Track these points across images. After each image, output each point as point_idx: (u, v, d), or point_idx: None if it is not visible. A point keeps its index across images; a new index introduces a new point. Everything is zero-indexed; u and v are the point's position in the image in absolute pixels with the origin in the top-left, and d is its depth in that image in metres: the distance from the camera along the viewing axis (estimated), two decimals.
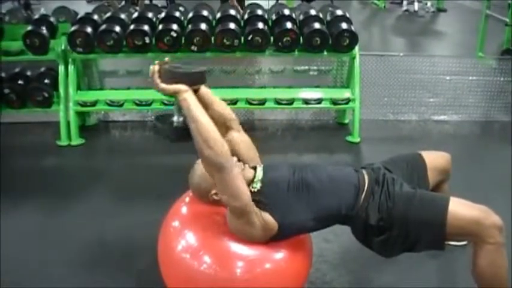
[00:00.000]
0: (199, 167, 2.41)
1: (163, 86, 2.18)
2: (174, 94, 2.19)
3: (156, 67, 2.19)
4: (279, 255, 2.33)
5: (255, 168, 2.42)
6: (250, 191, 2.25)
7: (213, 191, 2.36)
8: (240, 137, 2.57)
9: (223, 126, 2.44)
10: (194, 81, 2.25)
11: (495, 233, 2.16)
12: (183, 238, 2.38)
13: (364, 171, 2.48)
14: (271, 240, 2.31)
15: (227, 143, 2.22)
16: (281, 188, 2.30)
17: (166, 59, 2.28)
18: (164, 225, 2.53)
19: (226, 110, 2.55)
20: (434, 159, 2.72)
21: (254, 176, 2.35)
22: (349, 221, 2.40)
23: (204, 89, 2.39)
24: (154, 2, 9.36)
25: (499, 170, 4.18)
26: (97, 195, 3.75)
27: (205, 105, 2.31)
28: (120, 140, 4.93)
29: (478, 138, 5.05)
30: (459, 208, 2.23)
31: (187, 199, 2.59)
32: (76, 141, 4.58)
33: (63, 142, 4.55)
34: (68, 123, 4.55)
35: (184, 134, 2.19)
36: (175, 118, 2.25)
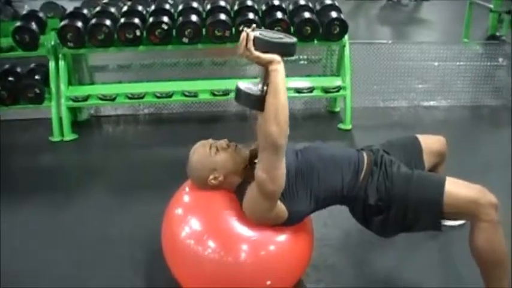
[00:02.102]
0: (194, 155, 2.45)
1: (257, 53, 2.08)
2: (266, 63, 2.11)
3: (251, 33, 2.10)
4: (282, 237, 2.37)
5: None
6: None
7: (211, 176, 2.39)
8: None
9: None
10: (286, 52, 2.18)
11: (491, 211, 2.21)
12: (186, 225, 2.40)
13: (364, 153, 2.51)
14: (279, 226, 2.34)
15: None
16: (289, 174, 2.27)
17: (254, 25, 2.21)
18: (167, 214, 2.54)
19: None
20: (430, 142, 2.77)
21: None
22: (348, 201, 2.44)
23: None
24: None
25: (489, 152, 4.27)
26: (94, 190, 3.75)
27: None
28: (113, 134, 4.93)
29: (468, 122, 5.11)
30: (455, 188, 2.27)
31: (187, 188, 2.59)
32: (69, 136, 4.57)
33: (56, 138, 4.54)
34: (60, 119, 4.54)
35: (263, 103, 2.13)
36: (259, 86, 2.17)
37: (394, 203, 2.32)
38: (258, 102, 2.13)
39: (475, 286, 2.39)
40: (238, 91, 2.21)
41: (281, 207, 2.27)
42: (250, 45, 2.08)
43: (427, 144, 2.73)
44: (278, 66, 2.08)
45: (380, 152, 2.52)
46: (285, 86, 2.10)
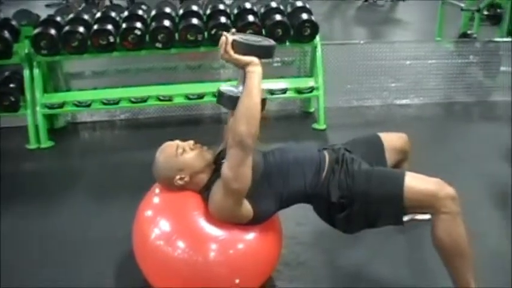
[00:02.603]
0: (161, 156, 2.49)
1: (236, 56, 2.17)
2: (244, 65, 2.19)
3: (230, 38, 2.18)
4: (250, 236, 2.42)
5: None
6: None
7: (178, 177, 2.43)
8: None
9: None
10: (264, 54, 2.26)
11: (450, 203, 2.27)
12: (156, 226, 2.44)
13: (325, 152, 2.57)
14: (245, 225, 2.39)
15: None
16: (256, 176, 2.34)
17: (234, 30, 2.29)
18: (137, 216, 2.57)
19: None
20: (392, 139, 2.85)
21: None
22: (312, 199, 2.50)
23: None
24: (115, 2, 9.35)
25: (461, 146, 4.38)
26: (72, 194, 3.77)
27: None
28: (90, 140, 4.97)
29: (440, 118, 5.21)
30: (414, 182, 2.34)
31: (156, 190, 2.62)
32: (45, 144, 4.59)
33: (33, 145, 4.55)
34: (37, 127, 4.56)
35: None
36: (240, 88, 2.25)
37: (356, 200, 2.38)
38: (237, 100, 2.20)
39: (443, 278, 2.45)
40: (219, 94, 2.31)
41: (247, 206, 2.32)
42: (229, 48, 2.17)
43: (389, 141, 2.81)
44: (255, 68, 2.17)
45: (341, 151, 2.59)
46: (260, 88, 2.18)
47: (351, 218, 2.42)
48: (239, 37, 2.23)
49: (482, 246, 2.62)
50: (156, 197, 2.60)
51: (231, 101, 2.27)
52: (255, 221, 2.39)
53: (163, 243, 2.38)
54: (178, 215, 2.47)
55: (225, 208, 2.32)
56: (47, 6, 10.36)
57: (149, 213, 2.54)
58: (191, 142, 2.50)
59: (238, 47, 2.18)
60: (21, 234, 3.25)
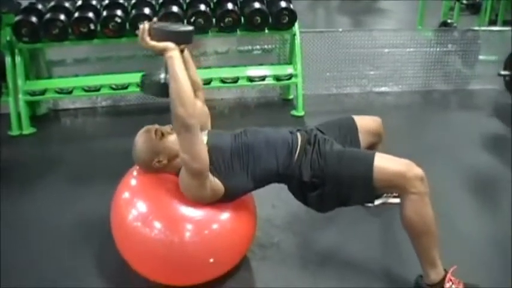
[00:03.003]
0: (140, 140, 2.56)
1: (152, 43, 2.25)
2: (162, 51, 2.26)
3: (147, 25, 2.26)
4: (225, 216, 2.50)
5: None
6: None
7: (156, 160, 2.51)
8: (202, 107, 2.76)
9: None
10: (182, 40, 2.34)
11: (418, 183, 2.34)
12: (133, 207, 2.50)
13: (298, 133, 2.65)
14: (218, 201, 2.47)
15: None
16: (224, 153, 2.45)
17: (155, 19, 2.37)
18: (115, 199, 2.64)
19: (198, 78, 2.74)
20: (366, 122, 2.93)
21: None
22: (285, 178, 2.57)
23: (186, 53, 2.53)
24: None
25: (438, 133, 4.48)
26: (52, 180, 3.81)
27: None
28: (71, 126, 5.01)
29: (419, 106, 5.30)
30: (384, 163, 2.41)
31: (134, 173, 2.69)
32: (28, 130, 4.63)
33: (15, 132, 4.59)
34: (19, 114, 4.60)
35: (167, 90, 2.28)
36: (162, 76, 2.33)
37: (328, 179, 2.46)
38: (163, 89, 2.28)
39: (412, 259, 2.51)
40: (142, 82, 2.40)
41: (216, 182, 2.40)
42: (145, 35, 2.26)
43: (363, 123, 2.89)
44: (172, 53, 2.24)
45: (314, 132, 2.67)
46: (182, 70, 2.25)
47: (323, 197, 2.50)
48: (158, 25, 2.31)
49: (452, 228, 2.70)
50: (133, 179, 2.66)
51: (154, 89, 2.40)
52: (228, 197, 2.47)
53: (140, 225, 2.44)
54: (155, 197, 2.53)
55: (193, 189, 2.39)
56: None
57: (126, 195, 2.59)
58: (169, 126, 2.56)
59: (155, 34, 2.27)
60: (2, 218, 3.28)
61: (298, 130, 2.70)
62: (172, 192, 2.50)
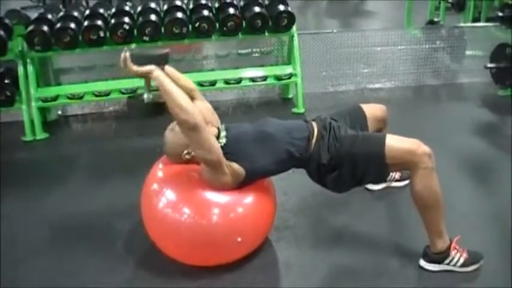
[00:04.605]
0: (170, 134, 2.81)
1: (136, 68, 2.53)
2: (146, 74, 2.54)
3: (128, 54, 2.53)
4: (248, 199, 2.74)
5: (218, 128, 2.83)
6: None
7: (185, 151, 2.76)
8: (202, 104, 3.01)
9: (188, 96, 2.75)
10: (160, 61, 2.63)
11: (426, 159, 2.59)
12: (163, 196, 2.73)
13: (313, 122, 2.91)
14: (241, 185, 2.71)
15: None
16: (244, 140, 2.70)
17: (126, 48, 2.62)
18: (144, 188, 2.86)
19: (188, 82, 2.99)
20: (373, 109, 3.19)
21: (218, 134, 2.75)
22: (304, 163, 2.82)
23: (168, 68, 2.78)
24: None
25: (432, 125, 4.73)
26: (70, 179, 4.03)
27: (172, 80, 2.64)
28: (82, 130, 5.22)
29: (411, 100, 5.56)
30: (394, 142, 2.67)
31: (160, 165, 2.93)
32: (41, 135, 4.81)
33: (29, 137, 4.77)
34: (32, 120, 4.79)
35: (155, 108, 2.54)
36: (145, 96, 2.62)
37: (344, 161, 2.71)
38: (151, 106, 2.57)
39: (416, 231, 2.81)
40: (127, 105, 2.67)
41: (235, 167, 2.65)
42: (129, 62, 2.54)
43: (370, 111, 3.15)
44: (156, 73, 2.52)
45: (328, 120, 2.93)
46: (169, 82, 2.53)
47: (341, 177, 2.74)
48: (136, 52, 2.60)
49: (451, 205, 2.95)
50: (160, 170, 2.90)
51: (139, 109, 2.67)
52: (248, 179, 2.72)
53: (171, 211, 2.68)
54: (182, 185, 2.76)
55: (215, 179, 2.65)
56: (23, 8, 10.37)
57: (156, 185, 2.83)
58: None
59: (135, 60, 2.54)
60: (21, 216, 3.49)
61: (313, 120, 2.96)
62: (198, 181, 2.74)
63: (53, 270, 2.93)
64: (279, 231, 3.13)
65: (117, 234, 3.19)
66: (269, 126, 2.82)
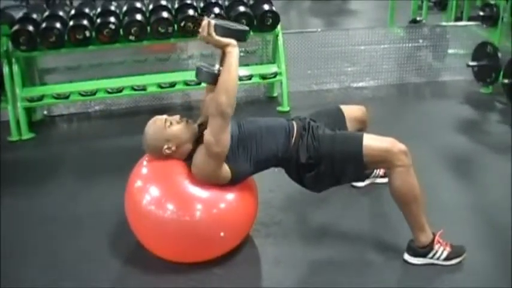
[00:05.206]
0: (150, 128, 2.81)
1: (218, 38, 2.53)
2: (224, 46, 2.55)
3: (212, 22, 2.53)
4: (231, 196, 2.78)
5: None
6: None
7: (165, 146, 2.75)
8: None
9: None
10: (240, 37, 2.63)
11: (402, 157, 2.66)
12: (146, 193, 2.76)
13: (293, 121, 2.96)
14: (225, 184, 2.75)
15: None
16: (232, 142, 2.70)
17: (212, 15, 2.64)
18: (128, 186, 2.87)
19: None
20: (352, 110, 3.25)
21: None
22: (284, 162, 2.87)
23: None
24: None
25: (415, 122, 4.83)
26: (57, 178, 4.06)
27: None
28: (68, 130, 5.24)
29: (394, 98, 5.61)
30: (371, 141, 2.73)
31: (144, 162, 2.93)
32: (27, 135, 4.81)
33: (14, 137, 4.78)
34: (17, 120, 4.79)
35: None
36: (217, 66, 2.65)
37: (322, 160, 2.76)
38: (214, 78, 2.58)
39: (400, 225, 2.87)
40: (199, 70, 2.69)
41: (226, 168, 2.69)
42: (212, 30, 2.53)
43: (349, 112, 3.20)
44: (233, 49, 2.55)
45: (307, 120, 2.98)
46: (237, 65, 2.56)
47: (319, 176, 2.80)
48: (219, 22, 2.61)
49: (434, 199, 3.02)
50: (144, 168, 2.90)
51: (209, 77, 2.67)
52: (234, 181, 2.76)
53: (154, 207, 2.70)
54: (165, 181, 2.79)
55: (206, 170, 2.67)
56: (5, 8, 10.28)
57: (139, 181, 2.85)
58: (177, 116, 2.84)
59: (218, 30, 2.55)
60: (9, 215, 3.49)
61: (293, 119, 3.00)
62: (181, 176, 2.76)
63: (40, 270, 2.95)
64: (266, 227, 3.18)
65: (105, 233, 3.22)
66: (254, 126, 2.86)
